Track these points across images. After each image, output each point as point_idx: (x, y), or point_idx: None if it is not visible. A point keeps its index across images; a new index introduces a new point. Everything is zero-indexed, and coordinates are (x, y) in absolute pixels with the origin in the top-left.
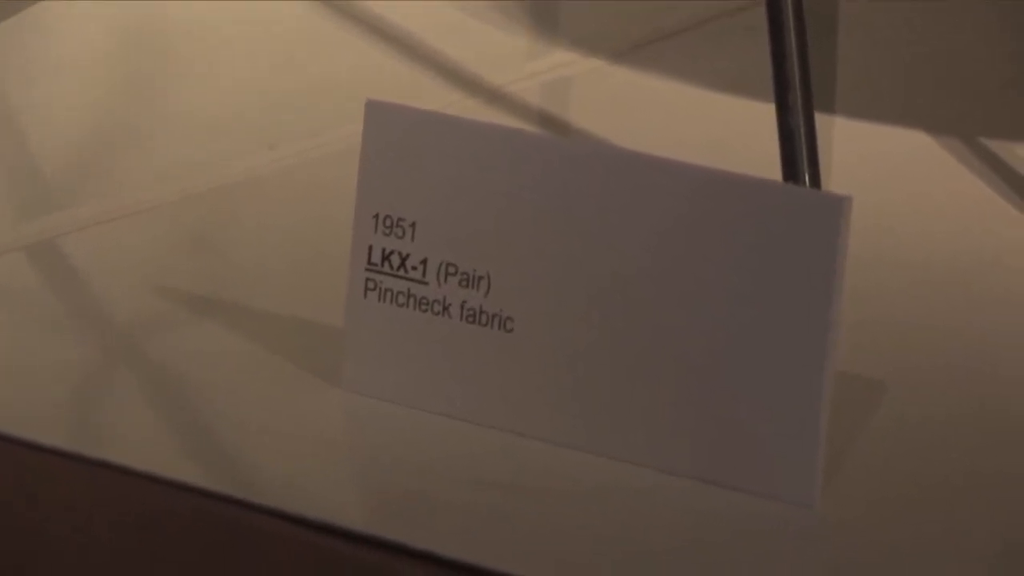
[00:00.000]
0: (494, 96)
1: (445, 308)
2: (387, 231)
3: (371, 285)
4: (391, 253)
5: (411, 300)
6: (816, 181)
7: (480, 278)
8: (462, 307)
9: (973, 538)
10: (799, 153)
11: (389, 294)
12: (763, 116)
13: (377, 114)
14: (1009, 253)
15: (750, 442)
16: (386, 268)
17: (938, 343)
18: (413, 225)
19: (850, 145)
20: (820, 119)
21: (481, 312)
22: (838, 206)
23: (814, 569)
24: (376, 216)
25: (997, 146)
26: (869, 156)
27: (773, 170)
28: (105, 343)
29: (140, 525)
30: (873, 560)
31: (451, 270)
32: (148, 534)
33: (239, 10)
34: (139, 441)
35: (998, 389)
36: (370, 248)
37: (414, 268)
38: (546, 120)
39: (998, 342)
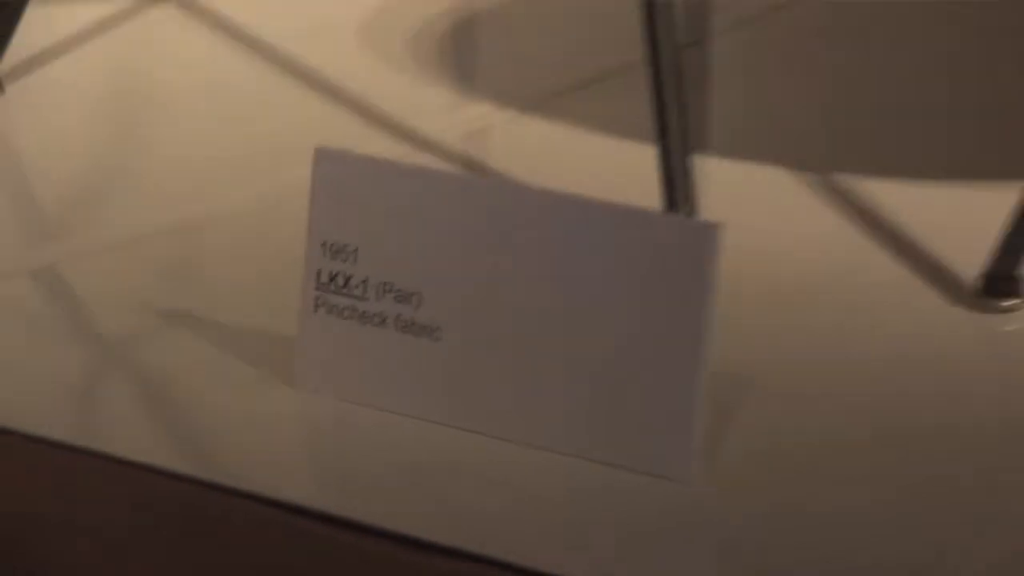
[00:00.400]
0: (420, 144)
1: (382, 320)
2: (333, 256)
3: (320, 302)
4: (336, 275)
5: (353, 314)
6: (693, 211)
7: (413, 295)
8: (397, 319)
9: (839, 512)
10: (679, 188)
11: (335, 309)
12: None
13: (324, 159)
14: (860, 272)
15: (639, 429)
16: (332, 287)
17: (807, 348)
18: (355, 251)
19: (723, 179)
20: (699, 158)
21: (413, 323)
22: (711, 232)
23: (698, 541)
24: (324, 244)
25: (852, 179)
26: (740, 189)
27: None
28: (97, 353)
29: (129, 505)
30: (747, 529)
31: (388, 288)
32: (136, 513)
33: (210, 73)
34: (126, 434)
35: (857, 384)
36: (319, 271)
37: (356, 287)
38: (467, 165)
39: (855, 345)
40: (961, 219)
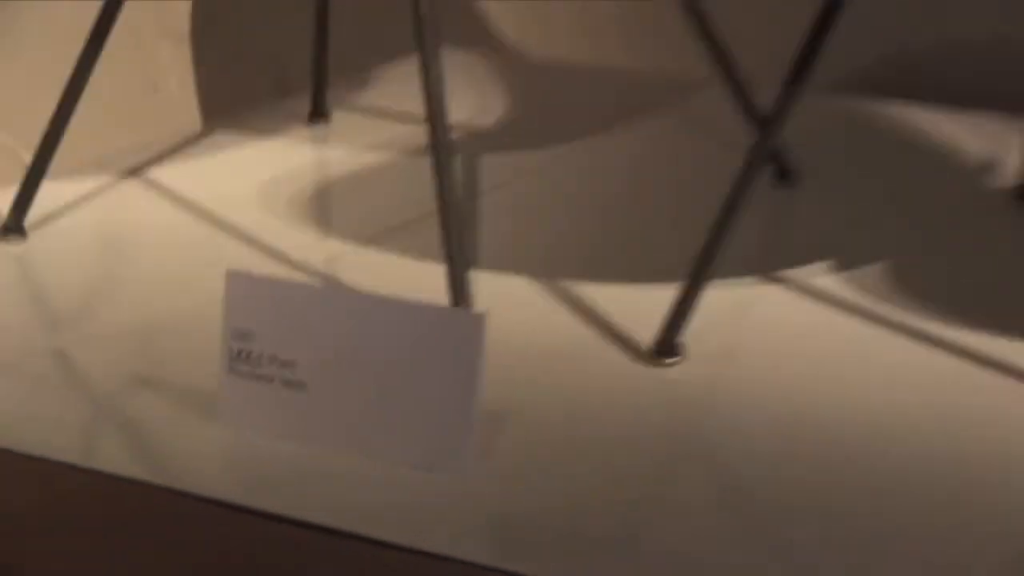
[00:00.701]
0: (295, 267)
1: (271, 380)
2: (241, 337)
3: (232, 368)
4: (243, 349)
5: (253, 374)
6: (468, 306)
7: (290, 362)
8: (280, 379)
9: (565, 497)
10: (460, 292)
11: (242, 371)
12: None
13: (235, 277)
14: (576, 343)
15: (434, 443)
16: (240, 357)
17: (545, 392)
18: (254, 335)
19: (489, 286)
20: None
21: (290, 381)
22: (479, 319)
23: (472, 514)
24: (235, 330)
25: (572, 283)
26: (503, 293)
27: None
28: (91, 403)
29: (110, 502)
30: (506, 507)
31: (274, 359)
32: (116, 506)
33: (160, 223)
34: (109, 455)
35: (573, 416)
36: (231, 348)
37: (256, 357)
38: (325, 280)
39: (573, 391)
40: (640, 307)
